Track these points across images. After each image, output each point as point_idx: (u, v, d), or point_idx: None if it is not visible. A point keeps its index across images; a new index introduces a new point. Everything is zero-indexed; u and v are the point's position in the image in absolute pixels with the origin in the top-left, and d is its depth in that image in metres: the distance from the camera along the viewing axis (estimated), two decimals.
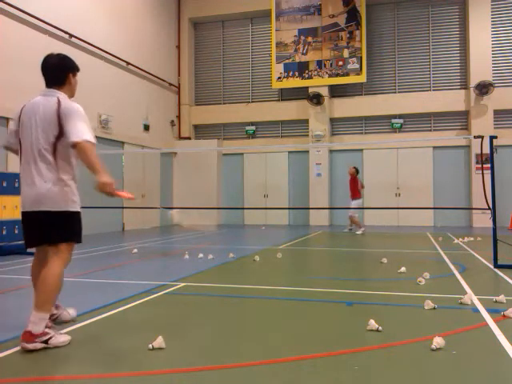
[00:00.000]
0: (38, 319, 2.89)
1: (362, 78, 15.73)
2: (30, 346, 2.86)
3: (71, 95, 3.29)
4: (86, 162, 2.97)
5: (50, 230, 3.07)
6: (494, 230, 5.97)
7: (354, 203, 12.22)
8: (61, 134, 3.05)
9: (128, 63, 14.14)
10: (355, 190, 12.31)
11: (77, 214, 3.17)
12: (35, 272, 3.21)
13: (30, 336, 2.86)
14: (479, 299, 4.16)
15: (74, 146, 3.00)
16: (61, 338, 2.99)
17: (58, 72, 3.24)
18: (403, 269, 5.72)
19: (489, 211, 6.02)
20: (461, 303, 4.02)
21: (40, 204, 3.04)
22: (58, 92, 3.19)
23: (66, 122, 3.03)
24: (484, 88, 14.59)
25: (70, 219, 3.13)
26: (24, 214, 3.15)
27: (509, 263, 6.17)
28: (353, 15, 15.78)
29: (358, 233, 11.89)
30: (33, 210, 3.07)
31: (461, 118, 15.52)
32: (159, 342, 2.88)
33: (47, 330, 2.94)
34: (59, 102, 3.09)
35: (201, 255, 7.34)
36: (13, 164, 10.06)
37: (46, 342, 2.91)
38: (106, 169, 2.98)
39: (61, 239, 3.10)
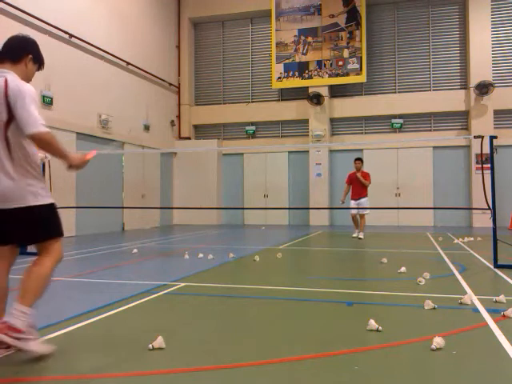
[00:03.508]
0: (19, 312, 2.64)
1: (362, 78, 15.73)
2: (5, 337, 2.59)
3: (25, 81, 2.85)
4: (51, 152, 2.76)
5: (22, 229, 2.75)
6: (494, 230, 5.97)
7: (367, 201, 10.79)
8: (10, 119, 2.69)
9: (128, 63, 14.14)
10: (364, 185, 10.72)
11: (51, 206, 2.84)
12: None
13: (8, 328, 2.59)
14: (479, 299, 4.16)
15: (31, 137, 2.68)
16: (40, 345, 2.71)
17: (16, 46, 2.88)
18: (403, 269, 5.72)
19: (489, 211, 6.02)
20: (461, 303, 4.02)
21: (5, 201, 2.69)
22: (7, 71, 2.78)
23: (16, 106, 2.66)
24: (484, 88, 14.59)
25: (46, 213, 2.81)
26: None
27: (509, 263, 6.17)
28: (353, 15, 15.78)
29: (355, 236, 10.85)
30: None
31: (461, 118, 15.52)
32: (159, 342, 2.88)
33: (26, 330, 2.65)
34: (6, 82, 2.69)
35: (201, 255, 7.34)
36: None
37: (17, 339, 2.61)
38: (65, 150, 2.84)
39: (42, 237, 2.80)
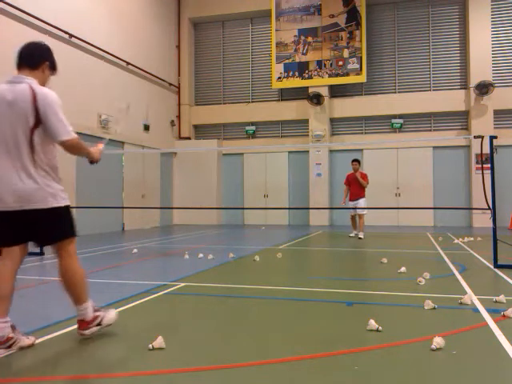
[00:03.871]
0: (82, 310, 3.04)
1: (362, 78, 15.73)
2: (87, 332, 3.05)
3: (42, 85, 3.01)
4: (78, 155, 3.06)
5: (43, 229, 2.88)
6: (494, 230, 5.97)
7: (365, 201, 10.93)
8: (36, 124, 2.83)
9: (128, 63, 14.14)
10: (362, 186, 10.87)
11: (68, 208, 3.01)
12: (3, 279, 2.88)
13: (83, 323, 3.04)
14: (479, 299, 4.16)
15: (63, 143, 2.87)
16: (109, 315, 3.19)
17: (35, 53, 3.03)
18: (403, 269, 5.72)
19: (489, 211, 6.02)
20: (461, 303, 4.02)
21: (25, 202, 2.80)
22: (27, 78, 2.93)
23: (47, 115, 2.82)
24: (484, 88, 14.59)
25: (65, 214, 2.98)
26: (1, 212, 2.84)
27: (509, 263, 6.17)
28: (353, 15, 15.78)
29: (352, 235, 10.98)
30: (15, 209, 2.81)
31: (461, 118, 15.52)
32: (159, 342, 2.88)
33: (96, 314, 3.11)
34: (33, 90, 2.84)
35: (201, 255, 7.34)
36: None
37: (99, 323, 3.10)
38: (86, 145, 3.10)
39: (59, 238, 2.94)
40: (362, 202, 10.77)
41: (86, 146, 3.06)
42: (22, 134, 2.82)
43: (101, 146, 3.29)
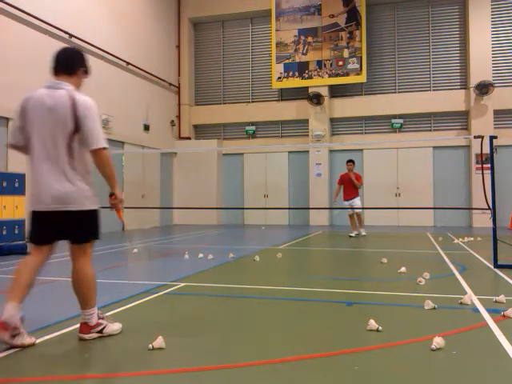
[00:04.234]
0: (89, 315, 3.08)
1: (362, 78, 15.73)
2: (87, 336, 3.06)
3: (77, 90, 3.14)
4: (104, 172, 3.04)
5: (77, 229, 3.04)
6: (494, 230, 5.97)
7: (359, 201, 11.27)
8: (75, 130, 2.96)
9: (128, 63, 14.14)
10: (356, 186, 11.15)
11: (97, 211, 3.17)
12: (27, 269, 2.99)
13: (86, 327, 3.07)
14: (479, 299, 4.16)
15: (94, 151, 2.98)
16: (114, 326, 3.18)
17: (71, 60, 3.13)
18: (403, 269, 5.71)
19: (489, 211, 6.02)
20: (461, 303, 4.02)
21: (63, 204, 2.96)
22: (65, 84, 3.04)
23: (84, 122, 2.94)
24: (484, 88, 14.59)
25: (96, 217, 3.16)
26: (39, 212, 3.02)
27: (509, 263, 6.17)
28: (353, 15, 15.78)
29: (352, 235, 11.04)
30: (54, 209, 2.97)
31: (461, 118, 15.52)
32: (159, 342, 2.88)
33: (100, 321, 3.14)
34: (72, 97, 2.96)
35: (201, 255, 7.34)
36: (13, 164, 10.05)
37: (100, 331, 3.11)
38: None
39: (87, 237, 3.10)
40: (357, 201, 11.09)
41: (114, 173, 3.09)
42: (61, 139, 2.96)
43: (120, 215, 3.28)
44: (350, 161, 11.24)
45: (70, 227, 3.03)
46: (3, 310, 2.84)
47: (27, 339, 2.93)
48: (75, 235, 3.06)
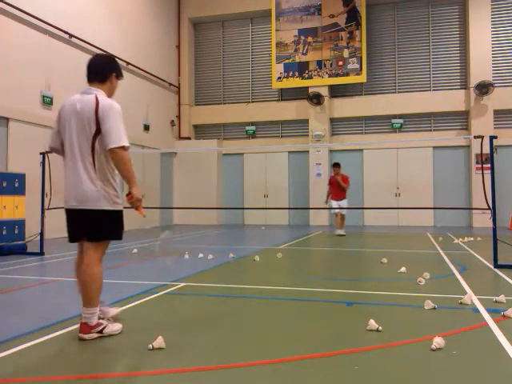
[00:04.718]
0: (89, 314, 3.09)
1: (362, 78, 15.73)
2: (87, 336, 3.07)
3: (109, 96, 3.29)
4: (122, 170, 3.09)
5: (92, 227, 3.14)
6: (494, 230, 5.96)
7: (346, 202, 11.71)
8: (98, 132, 3.08)
9: (128, 63, 14.14)
10: (344, 188, 11.62)
11: (119, 212, 3.25)
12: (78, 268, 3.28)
13: (86, 327, 3.08)
14: (479, 299, 4.16)
15: (111, 151, 3.05)
16: (114, 326, 3.19)
17: (102, 68, 3.29)
18: (403, 269, 5.71)
19: (489, 211, 6.02)
20: (461, 303, 4.02)
21: (82, 202, 3.11)
22: (96, 90, 3.21)
23: (104, 122, 3.05)
24: (484, 88, 14.59)
25: (114, 218, 3.21)
26: (67, 210, 3.23)
27: (509, 263, 6.17)
28: (353, 15, 15.78)
29: (342, 233, 11.47)
30: (75, 207, 3.14)
31: (461, 118, 15.52)
32: (159, 342, 2.88)
33: (101, 321, 3.16)
34: (97, 100, 3.10)
35: (201, 255, 7.34)
36: (13, 164, 10.06)
37: (100, 331, 3.11)
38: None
39: (102, 237, 3.18)
40: (345, 202, 11.59)
41: (133, 172, 3.13)
42: (86, 140, 3.10)
43: (140, 211, 3.26)
44: (336, 164, 11.80)
45: (84, 225, 3.16)
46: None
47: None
48: (88, 233, 3.16)
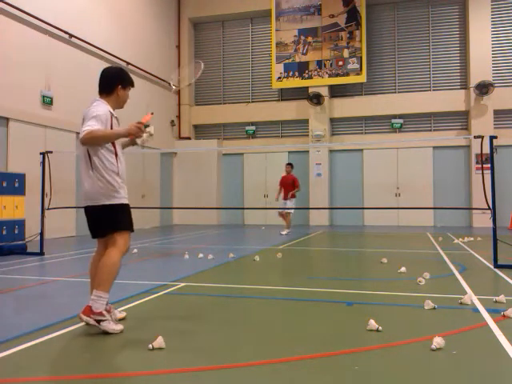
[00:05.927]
0: (96, 296, 3.18)
1: (362, 78, 15.73)
2: (84, 318, 3.14)
3: (118, 106, 3.54)
4: (103, 142, 3.29)
5: (99, 222, 3.39)
6: (494, 230, 5.96)
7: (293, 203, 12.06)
8: None
9: (128, 63, 14.14)
10: (292, 188, 12.02)
11: (119, 206, 3.41)
12: (94, 262, 3.47)
13: (88, 310, 3.15)
14: (479, 299, 4.16)
15: (82, 144, 3.27)
16: (114, 325, 3.21)
17: (108, 81, 3.50)
18: (403, 269, 5.71)
19: (489, 211, 6.02)
20: (461, 303, 4.02)
21: (87, 200, 3.39)
22: (101, 100, 3.44)
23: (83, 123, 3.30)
24: (484, 88, 14.59)
25: (113, 211, 3.37)
26: (84, 208, 3.50)
27: (509, 263, 6.17)
28: (353, 15, 15.78)
29: (283, 233, 11.75)
30: (85, 204, 3.43)
31: (461, 118, 15.52)
32: (159, 342, 2.87)
33: (104, 313, 3.18)
34: (88, 108, 3.33)
35: (201, 255, 7.34)
36: (13, 164, 10.06)
37: (98, 322, 3.14)
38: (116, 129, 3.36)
39: (108, 230, 3.37)
40: (289, 203, 11.94)
41: (110, 131, 3.28)
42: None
43: (144, 119, 3.37)
44: (289, 164, 12.40)
45: (93, 221, 3.43)
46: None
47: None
48: (97, 228, 3.44)
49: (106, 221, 3.37)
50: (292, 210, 11.95)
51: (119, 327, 3.24)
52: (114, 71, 3.61)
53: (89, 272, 3.53)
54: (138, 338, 3.13)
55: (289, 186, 12.02)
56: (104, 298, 3.20)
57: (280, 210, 12.15)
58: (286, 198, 12.00)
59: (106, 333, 3.17)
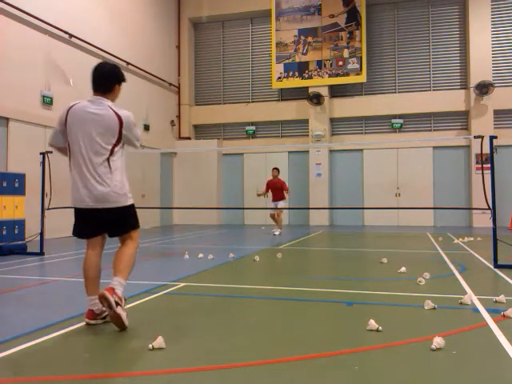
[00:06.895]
0: (118, 283, 3.28)
1: (362, 78, 15.73)
2: (109, 296, 3.13)
3: (113, 101, 3.55)
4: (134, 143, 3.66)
5: (120, 222, 3.47)
6: (494, 230, 5.96)
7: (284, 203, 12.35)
8: (119, 140, 3.43)
9: (128, 63, 14.14)
10: (282, 191, 12.24)
11: (133, 205, 3.59)
12: (92, 263, 3.53)
13: (111, 290, 3.20)
14: (479, 299, 4.16)
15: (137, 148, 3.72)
16: (124, 313, 3.25)
17: (105, 79, 3.48)
18: (403, 269, 5.71)
19: (489, 211, 6.02)
20: (461, 303, 4.02)
21: (105, 202, 3.39)
22: (106, 100, 3.43)
23: (129, 132, 3.47)
24: (484, 88, 14.59)
25: (132, 211, 3.56)
26: (82, 210, 3.49)
27: (509, 263, 6.17)
28: (353, 15, 15.78)
29: (276, 233, 11.85)
30: (94, 207, 3.40)
31: (461, 118, 15.52)
32: (159, 342, 2.87)
33: (123, 300, 3.28)
34: (117, 113, 3.38)
35: (201, 255, 7.34)
36: (13, 164, 10.05)
37: (118, 304, 3.16)
38: None
39: (130, 227, 3.52)
40: (281, 203, 12.19)
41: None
42: (101, 147, 3.37)
43: None
44: (275, 168, 12.59)
45: (110, 222, 3.52)
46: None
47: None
48: (115, 228, 3.54)
49: (128, 220, 3.51)
50: (283, 210, 12.33)
51: (127, 322, 3.27)
52: (110, 69, 3.55)
53: (87, 273, 3.51)
54: (137, 337, 3.13)
55: (277, 190, 12.23)
56: (124, 286, 3.33)
57: (272, 212, 12.42)
58: (277, 200, 12.23)
59: (105, 332, 3.17)
